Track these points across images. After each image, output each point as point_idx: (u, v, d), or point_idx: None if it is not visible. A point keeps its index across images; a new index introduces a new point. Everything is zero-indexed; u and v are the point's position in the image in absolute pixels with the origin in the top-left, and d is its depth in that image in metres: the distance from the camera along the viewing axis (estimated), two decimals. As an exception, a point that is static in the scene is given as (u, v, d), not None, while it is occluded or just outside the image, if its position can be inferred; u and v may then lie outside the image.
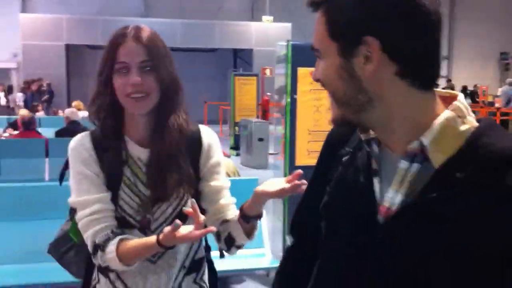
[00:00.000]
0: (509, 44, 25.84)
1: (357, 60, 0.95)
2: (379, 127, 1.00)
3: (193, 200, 1.53)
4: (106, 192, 1.65)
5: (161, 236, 1.52)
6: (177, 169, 1.67)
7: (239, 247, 1.76)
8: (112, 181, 1.66)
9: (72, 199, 1.69)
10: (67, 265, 1.91)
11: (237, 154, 12.10)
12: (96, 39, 19.60)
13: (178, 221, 1.47)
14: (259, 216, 1.68)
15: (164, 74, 1.64)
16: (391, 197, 0.98)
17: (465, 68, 25.80)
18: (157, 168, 1.67)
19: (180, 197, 1.70)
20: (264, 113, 13.99)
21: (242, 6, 24.73)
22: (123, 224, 1.66)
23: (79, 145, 1.69)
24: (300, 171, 1.57)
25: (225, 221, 1.75)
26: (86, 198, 1.64)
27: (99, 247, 1.62)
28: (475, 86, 21.25)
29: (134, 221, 1.67)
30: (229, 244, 1.75)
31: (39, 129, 8.63)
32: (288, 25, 20.31)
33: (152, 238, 1.55)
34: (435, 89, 0.99)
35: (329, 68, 0.99)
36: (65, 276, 1.99)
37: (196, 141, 1.75)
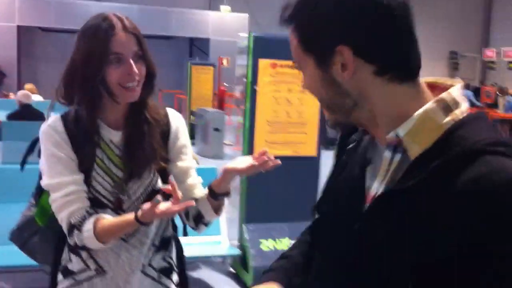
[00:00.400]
0: (458, 43, 26.60)
1: (335, 68, 1.00)
2: (367, 123, 1.06)
3: (171, 176, 1.60)
4: (79, 174, 1.70)
5: (139, 213, 1.58)
6: (149, 149, 1.74)
7: (206, 224, 1.86)
8: (85, 163, 1.71)
9: (45, 182, 1.72)
10: (30, 251, 1.95)
11: (192, 144, 12.07)
12: (49, 21, 19.15)
13: (159, 197, 1.54)
14: (227, 193, 1.79)
15: (150, 61, 1.71)
16: (377, 185, 1.04)
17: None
18: (131, 148, 1.73)
19: (151, 177, 1.78)
20: (220, 103, 14.02)
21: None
22: (96, 204, 1.72)
23: (51, 128, 1.72)
24: (266, 149, 1.69)
25: (194, 200, 1.83)
26: (60, 180, 1.68)
27: (75, 226, 1.67)
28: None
29: (107, 201, 1.73)
30: (198, 221, 1.85)
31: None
32: (246, 15, 20.32)
33: (130, 215, 1.62)
34: (439, 80, 1.05)
35: (311, 79, 1.05)
36: (27, 259, 2.01)
37: (164, 124, 1.82)
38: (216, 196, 1.77)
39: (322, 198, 1.21)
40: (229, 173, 1.72)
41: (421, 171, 0.93)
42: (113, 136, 1.75)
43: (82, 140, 1.70)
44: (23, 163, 2.19)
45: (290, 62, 4.37)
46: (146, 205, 1.57)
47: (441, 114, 0.97)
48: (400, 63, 0.99)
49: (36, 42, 20.74)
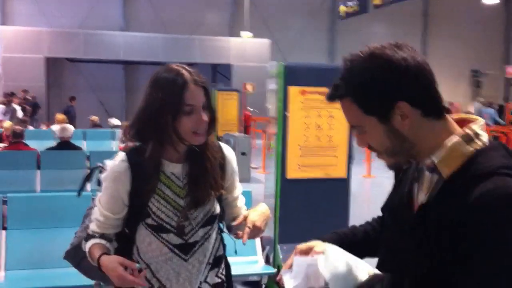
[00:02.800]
0: (479, 61, 26.65)
1: (396, 120, 1.29)
2: (420, 156, 1.36)
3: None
4: (117, 214, 2.00)
5: (104, 258, 1.89)
6: (211, 181, 2.00)
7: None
8: (146, 195, 1.96)
9: (96, 202, 2.04)
10: (85, 270, 2.18)
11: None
12: (77, 52, 19.67)
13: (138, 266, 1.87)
14: None
15: (213, 109, 1.99)
16: (421, 198, 1.36)
17: (438, 85, 26.41)
18: (195, 180, 1.99)
19: (211, 204, 2.03)
20: (246, 128, 14.27)
21: (222, 21, 25.08)
22: (160, 230, 1.97)
23: (116, 165, 1.98)
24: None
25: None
26: (102, 209, 2.01)
27: (87, 237, 2.03)
28: (450, 104, 21.80)
29: (170, 227, 1.97)
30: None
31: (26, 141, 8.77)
32: (267, 41, 20.70)
33: (97, 254, 1.93)
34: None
35: (378, 136, 1.34)
36: (78, 279, 2.28)
37: (221, 157, 2.08)
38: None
39: (386, 204, 1.54)
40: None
41: (450, 188, 1.27)
42: (173, 168, 2.00)
43: (145, 175, 1.95)
44: (81, 190, 2.50)
45: (319, 89, 4.61)
46: (117, 266, 1.82)
47: (465, 145, 1.28)
48: (436, 104, 1.31)
49: (63, 73, 21.28)
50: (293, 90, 4.63)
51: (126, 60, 20.70)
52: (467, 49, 26.53)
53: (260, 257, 4.69)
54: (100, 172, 2.41)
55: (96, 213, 2.02)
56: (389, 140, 1.32)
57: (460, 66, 26.68)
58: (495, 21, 27.07)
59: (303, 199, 4.83)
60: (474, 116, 1.36)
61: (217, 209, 2.06)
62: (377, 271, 1.40)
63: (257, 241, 4.64)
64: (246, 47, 20.55)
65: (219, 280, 2.11)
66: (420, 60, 1.29)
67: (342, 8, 16.38)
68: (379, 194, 9.55)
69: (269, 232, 5.06)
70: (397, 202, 1.46)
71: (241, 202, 2.19)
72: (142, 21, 23.45)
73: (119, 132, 10.94)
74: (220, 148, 2.10)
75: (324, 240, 1.56)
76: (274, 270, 4.68)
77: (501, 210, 1.15)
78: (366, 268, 1.39)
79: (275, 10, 25.41)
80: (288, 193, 4.78)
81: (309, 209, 4.77)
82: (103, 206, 2.00)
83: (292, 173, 4.71)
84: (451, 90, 25.75)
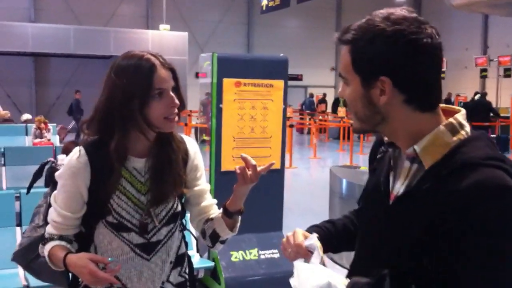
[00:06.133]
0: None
1: (374, 91, 1.27)
2: (389, 135, 1.35)
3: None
4: (81, 211, 1.87)
5: (72, 257, 1.78)
6: (175, 175, 1.90)
7: (223, 242, 2.02)
8: (107, 191, 1.84)
9: (52, 201, 1.89)
10: (35, 271, 2.06)
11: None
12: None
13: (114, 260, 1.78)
14: (240, 210, 1.95)
15: (181, 93, 1.88)
16: (397, 187, 1.33)
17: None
18: (159, 174, 1.88)
19: (173, 201, 1.93)
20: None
21: (138, 13, 24.57)
22: (121, 229, 1.86)
23: (74, 160, 1.84)
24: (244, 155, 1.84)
25: (210, 220, 2.00)
26: (59, 209, 1.86)
27: (44, 240, 1.89)
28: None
29: (131, 225, 1.86)
30: (214, 240, 2.00)
31: None
32: (185, 34, 20.46)
33: (61, 254, 1.81)
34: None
35: (354, 94, 1.31)
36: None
37: (184, 150, 1.97)
38: (230, 214, 1.93)
39: (361, 195, 1.51)
40: (238, 190, 1.89)
41: (432, 178, 1.23)
42: (135, 163, 1.88)
43: (106, 170, 1.82)
44: (30, 187, 2.32)
45: (253, 80, 4.61)
46: (89, 262, 1.72)
47: (449, 134, 1.26)
48: (426, 97, 1.28)
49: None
50: (227, 82, 4.59)
51: (35, 52, 19.77)
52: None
53: (195, 252, 4.63)
54: (51, 168, 2.28)
55: (53, 214, 1.88)
56: (362, 104, 1.30)
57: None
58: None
59: (237, 191, 4.79)
60: (457, 107, 1.34)
61: (179, 206, 1.97)
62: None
63: (192, 235, 4.57)
64: (164, 40, 20.20)
65: (182, 279, 2.03)
66: (438, 43, 1.24)
67: (264, 1, 16.47)
68: (300, 183, 9.74)
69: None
70: (371, 192, 1.43)
71: (208, 201, 2.04)
72: (52, 12, 22.54)
73: (32, 127, 10.47)
74: (183, 141, 2.00)
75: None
76: (211, 264, 4.64)
77: (494, 201, 1.14)
78: (341, 280, 1.32)
79: (192, 2, 25.22)
80: (223, 186, 4.71)
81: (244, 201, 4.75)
82: (61, 206, 1.86)
83: (227, 165, 4.67)
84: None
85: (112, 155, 1.81)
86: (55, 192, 1.89)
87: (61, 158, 3.34)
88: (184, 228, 2.05)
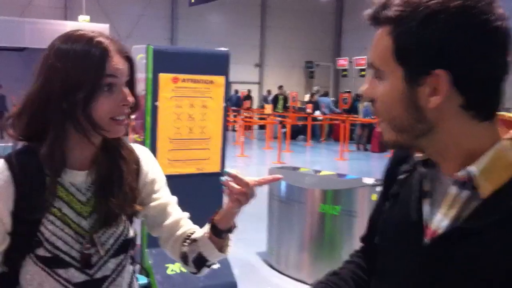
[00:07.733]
0: (312, 53, 27.93)
1: (423, 89, 0.92)
2: (433, 152, 1.00)
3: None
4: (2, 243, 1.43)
5: None
6: (127, 191, 1.51)
7: (210, 266, 1.63)
8: (35, 215, 1.42)
9: None
10: None
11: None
12: None
13: None
14: (232, 228, 1.59)
15: (135, 91, 1.48)
16: (438, 220, 0.98)
17: (274, 75, 27.32)
18: (106, 190, 1.48)
19: (123, 225, 1.53)
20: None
21: (55, 3, 23.38)
22: (56, 264, 1.43)
23: None
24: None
25: (191, 240, 1.61)
26: None
27: None
28: (279, 87, 22.42)
29: (69, 258, 1.44)
30: (199, 265, 1.62)
31: None
32: (106, 25, 19.59)
33: None
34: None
35: (392, 93, 0.95)
36: None
37: (135, 161, 1.58)
38: (219, 233, 1.56)
39: (376, 229, 1.16)
40: (231, 208, 1.52)
41: (494, 211, 0.90)
42: (74, 177, 1.47)
43: (35, 187, 1.41)
44: None
45: (192, 76, 4.22)
46: None
47: None
48: (488, 100, 0.94)
49: None
50: (164, 78, 4.18)
51: None
52: (302, 40, 27.60)
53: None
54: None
55: None
56: (400, 107, 0.94)
57: (295, 57, 27.71)
58: (329, 14, 28.51)
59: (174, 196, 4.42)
60: None
61: (131, 232, 1.57)
62: None
63: (144, 271, 4.16)
64: (83, 32, 19.33)
65: None
66: (507, 29, 0.91)
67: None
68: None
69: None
70: (399, 225, 1.06)
71: (175, 215, 1.65)
72: (-41, -1, 21.00)
73: None
74: (131, 147, 1.60)
75: None
76: (145, 281, 4.23)
77: None
78: None
79: (112, -7, 24.32)
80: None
81: (181, 207, 4.36)
82: None
83: (163, 169, 4.26)
84: (286, 79, 26.69)
85: (44, 164, 1.40)
86: None
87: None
88: (134, 260, 1.65)
